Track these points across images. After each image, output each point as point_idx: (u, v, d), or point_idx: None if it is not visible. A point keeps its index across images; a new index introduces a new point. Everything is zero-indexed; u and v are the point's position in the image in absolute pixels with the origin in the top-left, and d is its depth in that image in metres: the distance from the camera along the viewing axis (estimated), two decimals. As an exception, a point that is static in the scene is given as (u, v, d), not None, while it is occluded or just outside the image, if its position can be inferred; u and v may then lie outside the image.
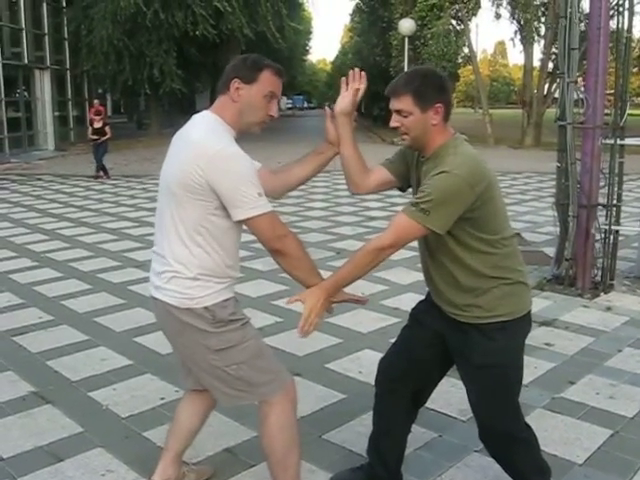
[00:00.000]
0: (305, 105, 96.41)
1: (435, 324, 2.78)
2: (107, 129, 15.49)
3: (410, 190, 2.80)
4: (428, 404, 3.88)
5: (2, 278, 6.89)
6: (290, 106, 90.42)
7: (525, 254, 7.50)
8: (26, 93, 23.01)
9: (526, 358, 4.50)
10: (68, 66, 25.49)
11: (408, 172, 2.75)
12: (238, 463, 3.31)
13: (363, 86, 2.72)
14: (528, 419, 3.69)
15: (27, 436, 3.57)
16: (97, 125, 15.31)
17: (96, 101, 18.60)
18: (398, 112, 2.51)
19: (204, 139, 2.44)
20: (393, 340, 3.04)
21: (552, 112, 24.32)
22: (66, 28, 24.99)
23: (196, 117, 2.60)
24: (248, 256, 7.67)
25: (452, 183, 2.37)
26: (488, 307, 2.59)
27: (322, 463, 3.30)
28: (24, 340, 5.01)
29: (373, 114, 42.96)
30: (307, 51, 66.72)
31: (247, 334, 2.63)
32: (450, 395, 4.07)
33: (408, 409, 2.99)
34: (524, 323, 2.71)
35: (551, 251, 7.86)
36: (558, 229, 6.56)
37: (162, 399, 3.94)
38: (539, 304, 5.90)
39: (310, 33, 64.42)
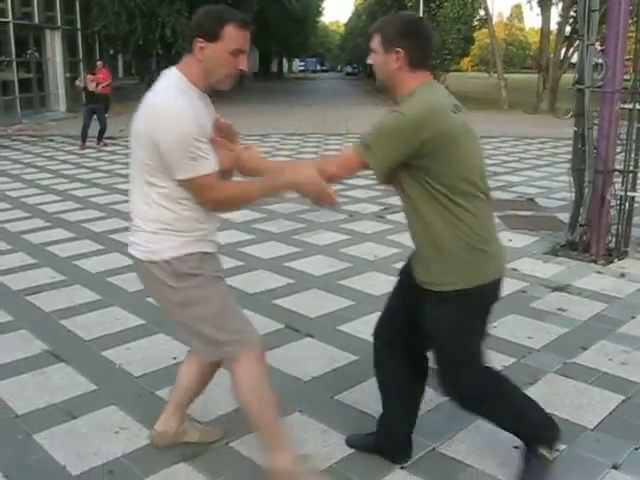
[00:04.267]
0: (318, 68, 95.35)
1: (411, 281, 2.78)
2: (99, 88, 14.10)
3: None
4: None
5: (15, 238, 6.92)
6: (303, 68, 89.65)
7: (538, 219, 7.60)
8: (37, 54, 22.82)
9: (539, 323, 4.61)
10: (79, 26, 25.25)
11: None
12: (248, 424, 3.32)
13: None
14: (540, 383, 3.75)
15: (41, 393, 3.60)
16: (90, 87, 14.05)
17: (99, 63, 18.26)
18: (371, 50, 2.57)
19: (155, 98, 2.44)
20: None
21: (568, 77, 23.98)
22: (77, -13, 24.70)
23: (163, 73, 2.56)
24: (260, 218, 7.67)
25: (396, 122, 2.41)
26: (439, 272, 2.58)
27: (334, 423, 3.31)
28: (38, 299, 5.03)
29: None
30: (320, 12, 65.73)
31: (210, 292, 2.61)
32: (461, 358, 4.08)
33: (408, 367, 2.97)
34: (480, 294, 2.61)
35: (565, 217, 7.80)
36: (573, 195, 6.48)
37: (175, 358, 3.95)
38: (552, 269, 5.88)
39: (323, -6, 63.47)
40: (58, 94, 23.43)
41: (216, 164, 2.47)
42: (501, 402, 2.84)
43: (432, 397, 3.55)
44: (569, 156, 12.83)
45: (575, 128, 6.40)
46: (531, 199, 8.99)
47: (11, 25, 20.25)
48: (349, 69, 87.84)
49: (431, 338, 2.73)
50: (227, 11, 2.47)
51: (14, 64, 20.76)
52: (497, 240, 2.70)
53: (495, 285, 2.67)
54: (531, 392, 3.62)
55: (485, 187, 2.59)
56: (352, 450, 3.11)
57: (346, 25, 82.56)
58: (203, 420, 3.33)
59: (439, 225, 2.52)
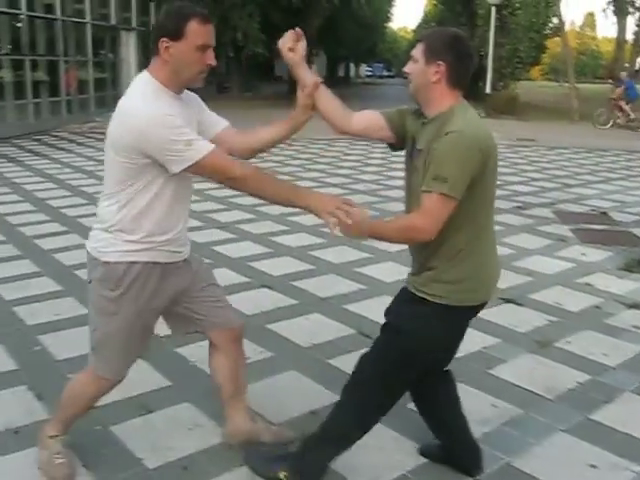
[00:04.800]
0: (385, 73, 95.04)
1: None
2: None
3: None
4: (513, 380, 3.90)
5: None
6: (370, 74, 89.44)
7: (612, 234, 7.44)
8: (110, 54, 23.38)
9: (614, 340, 4.50)
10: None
11: (404, 129, 2.66)
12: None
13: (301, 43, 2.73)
14: (617, 401, 3.67)
15: (117, 387, 3.68)
16: None
17: None
18: (411, 58, 2.52)
19: (128, 103, 2.44)
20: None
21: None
22: (152, -10, 25.24)
23: (135, 78, 2.55)
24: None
25: (459, 142, 2.32)
26: (427, 288, 2.54)
27: (408, 432, 3.30)
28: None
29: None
30: (389, 18, 65.49)
31: (122, 313, 2.61)
32: (535, 372, 4.03)
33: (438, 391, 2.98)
34: (456, 314, 2.57)
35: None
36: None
37: (248, 358, 3.99)
38: (628, 286, 5.72)
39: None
40: (131, 94, 23.93)
41: (210, 144, 2.44)
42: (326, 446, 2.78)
43: (505, 411, 3.53)
44: (646, 170, 12.69)
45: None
46: (604, 213, 8.76)
47: (89, 26, 20.83)
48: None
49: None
50: (188, 7, 2.44)
51: (90, 64, 21.35)
52: (495, 265, 2.67)
53: (473, 310, 2.64)
54: (608, 411, 3.58)
55: (492, 214, 2.61)
56: (425, 460, 3.10)
57: (415, 31, 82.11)
58: (278, 421, 3.36)
59: (458, 238, 2.48)
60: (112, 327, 2.64)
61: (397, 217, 2.62)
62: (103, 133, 10.86)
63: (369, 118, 2.78)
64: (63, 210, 8.28)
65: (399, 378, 2.68)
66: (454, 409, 3.00)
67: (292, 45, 2.73)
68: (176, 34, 2.39)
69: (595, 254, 6.68)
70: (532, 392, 3.78)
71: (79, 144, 15.37)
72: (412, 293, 2.60)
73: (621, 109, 21.39)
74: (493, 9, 23.42)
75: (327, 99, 2.78)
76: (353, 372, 2.77)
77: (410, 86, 2.54)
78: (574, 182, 11.19)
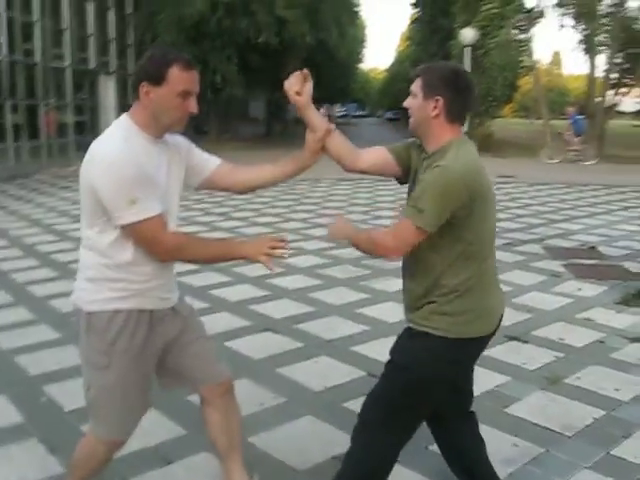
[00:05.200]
0: (358, 113, 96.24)
1: None
2: None
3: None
4: (529, 418, 3.90)
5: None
6: (343, 113, 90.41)
7: (604, 268, 7.51)
8: (84, 97, 23.38)
9: (623, 374, 4.52)
10: (132, 72, 25.99)
11: (409, 162, 2.67)
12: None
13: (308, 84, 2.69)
14: (635, 436, 3.67)
15: (133, 437, 3.59)
16: None
17: None
18: (410, 93, 2.53)
19: (96, 145, 2.39)
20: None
21: (615, 123, 23.79)
22: (131, 34, 25.48)
23: (117, 120, 2.50)
24: (325, 263, 7.70)
25: (444, 177, 2.33)
26: (431, 321, 2.52)
27: (431, 474, 3.28)
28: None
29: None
30: (361, 59, 66.58)
31: (114, 365, 2.50)
32: (550, 410, 4.03)
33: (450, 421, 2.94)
34: (460, 347, 2.53)
35: (631, 266, 7.72)
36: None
37: (262, 404, 3.95)
38: (627, 320, 5.76)
39: (364, 41, 64.32)
40: (110, 137, 23.97)
41: (159, 209, 2.37)
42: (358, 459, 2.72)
43: (526, 450, 3.51)
44: (625, 204, 12.98)
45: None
46: (593, 247, 8.86)
47: (68, 70, 20.90)
48: (390, 114, 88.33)
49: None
50: (171, 52, 2.40)
51: (70, 107, 21.37)
52: (497, 297, 2.65)
53: (477, 344, 2.60)
54: (627, 446, 3.58)
55: (492, 247, 2.59)
56: (453, 503, 3.06)
57: (388, 71, 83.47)
58: (302, 469, 3.30)
59: (442, 273, 2.48)
60: (106, 382, 2.52)
61: (372, 230, 2.58)
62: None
63: (376, 155, 2.77)
64: (53, 255, 8.20)
65: (407, 416, 2.63)
66: (480, 455, 2.96)
67: (299, 88, 2.69)
68: (157, 79, 2.34)
69: (590, 289, 6.74)
70: (550, 429, 3.77)
71: (61, 188, 15.31)
72: (413, 329, 2.58)
73: (570, 143, 22.25)
74: (467, 50, 23.92)
75: (337, 141, 2.77)
76: (359, 415, 2.73)
77: (410, 121, 2.56)
78: (559, 217, 11.33)
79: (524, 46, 25.55)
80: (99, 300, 2.48)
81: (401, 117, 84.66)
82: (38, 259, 8.00)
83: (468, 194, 2.35)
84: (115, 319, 2.48)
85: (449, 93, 2.44)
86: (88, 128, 23.10)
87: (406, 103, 2.55)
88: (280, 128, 42.51)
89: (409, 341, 2.61)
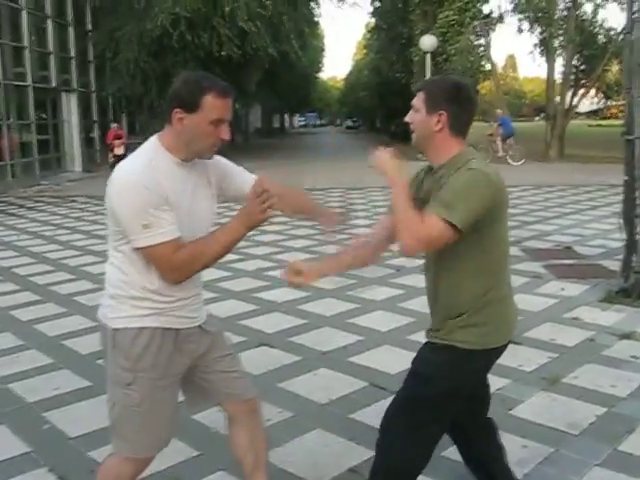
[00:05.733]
0: (318, 122, 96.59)
1: None
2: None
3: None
4: (534, 419, 3.95)
5: (67, 300, 6.95)
6: (303, 123, 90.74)
7: (584, 267, 7.66)
8: (43, 115, 23.06)
9: (617, 371, 4.62)
10: (94, 88, 25.77)
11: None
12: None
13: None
14: (638, 431, 3.73)
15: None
16: (118, 151, 13.51)
17: (114, 125, 18.31)
18: (412, 107, 2.55)
19: (120, 167, 2.40)
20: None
21: (576, 124, 24.27)
22: (91, 51, 25.25)
23: (147, 141, 2.51)
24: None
25: (476, 178, 2.36)
26: (451, 333, 2.55)
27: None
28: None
29: (391, 130, 42.99)
30: (320, 68, 66.96)
31: (139, 383, 2.49)
32: (553, 409, 4.11)
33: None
34: (482, 357, 2.57)
35: (609, 264, 7.87)
36: (625, 242, 6.54)
37: (269, 420, 3.94)
38: (613, 317, 5.89)
39: (323, 50, 64.69)
40: (74, 155, 23.75)
41: (174, 234, 2.35)
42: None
43: (537, 450, 3.57)
44: (592, 203, 13.25)
45: (626, 177, 6.46)
46: (569, 247, 9.03)
47: (30, 88, 20.63)
48: (349, 123, 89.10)
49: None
50: (206, 79, 2.37)
51: (33, 126, 21.07)
52: (513, 305, 2.69)
53: (489, 353, 2.61)
54: (633, 441, 3.66)
55: (506, 260, 2.62)
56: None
57: (346, 80, 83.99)
58: (318, 483, 3.32)
59: (461, 285, 2.52)
60: (130, 399, 2.50)
61: (420, 214, 2.39)
62: (52, 196, 10.83)
63: (387, 228, 2.74)
64: (31, 278, 8.07)
65: (433, 427, 2.64)
66: (500, 459, 3.01)
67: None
68: (191, 106, 2.32)
69: (573, 288, 6.86)
70: (556, 429, 3.83)
71: (29, 208, 15.09)
72: (436, 343, 2.60)
73: (496, 143, 23.19)
74: (428, 56, 24.21)
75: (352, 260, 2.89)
76: (382, 429, 2.73)
77: (413, 136, 2.57)
78: (531, 219, 11.51)
79: (483, 51, 25.94)
80: (123, 317, 2.48)
81: (359, 125, 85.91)
82: (17, 283, 7.85)
83: (495, 198, 2.39)
84: (140, 337, 2.47)
85: (452, 107, 2.46)
86: (52, 147, 22.82)
87: (408, 117, 2.57)
88: (242, 139, 42.48)
89: (433, 354, 2.62)
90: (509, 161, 22.25)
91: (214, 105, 2.33)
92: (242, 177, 2.74)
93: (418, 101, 2.52)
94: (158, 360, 2.50)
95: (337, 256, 3.02)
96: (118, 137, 14.06)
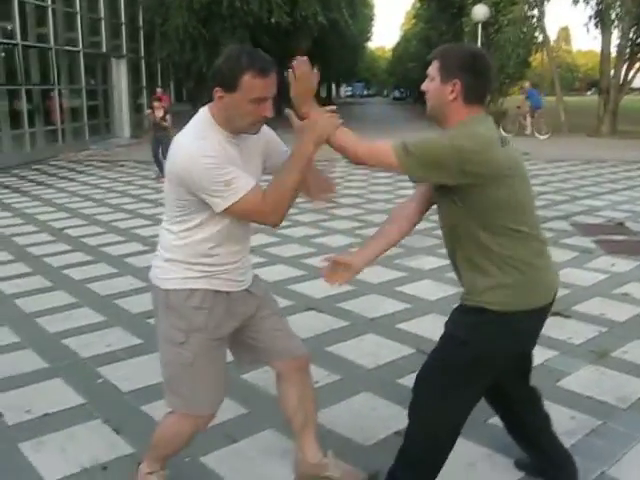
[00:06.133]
0: (365, 92, 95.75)
1: None
2: (167, 118, 13.21)
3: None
4: (583, 391, 3.94)
5: (118, 261, 7.11)
6: (350, 93, 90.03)
7: (635, 243, 7.44)
8: (92, 81, 23.31)
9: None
10: (143, 54, 25.94)
11: None
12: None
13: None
14: None
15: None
16: (158, 114, 13.04)
17: (159, 90, 18.42)
18: (427, 75, 2.51)
19: (180, 139, 2.43)
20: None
21: (630, 99, 23.59)
22: (141, 17, 25.38)
23: (197, 112, 2.53)
24: (356, 243, 7.73)
25: (449, 142, 2.33)
26: (482, 296, 2.51)
27: (497, 447, 3.32)
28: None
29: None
30: (369, 38, 66.26)
31: (191, 342, 2.55)
32: (602, 382, 4.08)
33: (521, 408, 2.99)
34: (516, 320, 2.51)
35: (661, 241, 7.72)
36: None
37: (317, 382, 3.99)
38: (663, 295, 5.79)
39: (372, 19, 63.93)
40: (122, 120, 24.02)
41: (253, 181, 2.40)
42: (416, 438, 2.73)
43: (584, 422, 3.55)
44: (646, 180, 12.87)
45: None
46: (621, 223, 8.87)
47: (81, 54, 20.87)
48: (397, 94, 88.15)
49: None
50: (247, 56, 2.33)
51: (83, 91, 21.36)
52: (548, 271, 2.62)
53: (531, 317, 2.56)
54: (685, 419, 3.62)
55: (530, 224, 2.52)
56: (522, 473, 3.11)
57: (394, 50, 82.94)
58: (368, 444, 3.36)
59: (479, 248, 2.48)
60: (183, 358, 2.57)
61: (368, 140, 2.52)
62: (101, 161, 11.03)
63: (417, 202, 2.80)
64: (83, 239, 8.26)
65: (464, 391, 2.61)
66: (546, 429, 3.00)
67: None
68: (230, 86, 2.33)
69: (624, 264, 6.75)
70: (605, 402, 3.81)
71: (79, 172, 15.36)
72: (468, 305, 2.59)
73: (525, 118, 22.86)
74: (479, 26, 23.75)
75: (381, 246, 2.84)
76: (414, 391, 2.74)
77: (427, 105, 2.54)
78: (581, 194, 11.31)
79: (537, 22, 25.32)
80: (176, 279, 2.54)
81: (407, 96, 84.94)
82: (70, 243, 8.05)
83: (464, 171, 2.33)
84: (192, 297, 2.54)
85: (467, 76, 2.42)
86: (101, 112, 23.12)
87: (423, 86, 2.53)
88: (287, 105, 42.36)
89: (466, 316, 2.61)
90: (536, 135, 22.01)
91: (253, 85, 2.32)
92: (280, 152, 2.72)
93: (433, 69, 2.48)
94: (210, 320, 2.57)
95: (382, 234, 2.86)
96: (157, 100, 13.75)
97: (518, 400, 2.95)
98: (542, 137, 21.88)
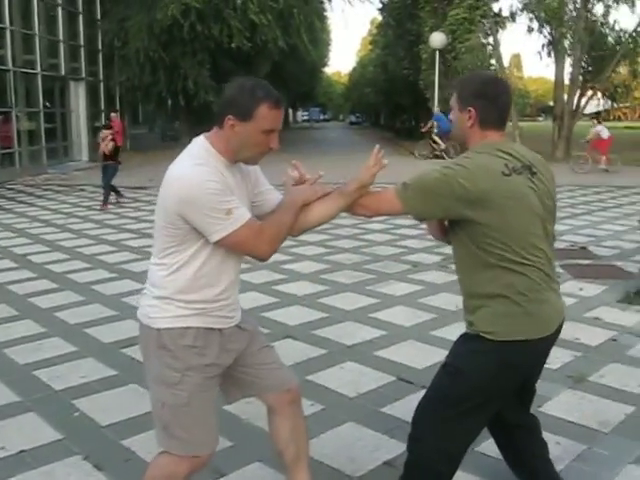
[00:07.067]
0: (321, 117, 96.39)
1: None
2: (110, 147, 12.81)
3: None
4: (565, 416, 3.98)
5: (84, 288, 6.97)
6: (307, 118, 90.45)
7: (600, 268, 7.66)
8: (47, 103, 22.95)
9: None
10: (102, 77, 25.71)
11: None
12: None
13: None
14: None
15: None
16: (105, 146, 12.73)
17: (113, 114, 18.34)
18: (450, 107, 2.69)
19: (174, 168, 2.40)
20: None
21: (580, 125, 24.09)
22: (100, 40, 25.20)
23: (192, 142, 2.52)
24: (326, 269, 7.73)
25: (441, 173, 2.48)
26: (477, 323, 2.56)
27: (486, 475, 3.32)
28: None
29: (395, 126, 42.99)
30: (326, 63, 66.90)
31: (186, 382, 2.49)
32: (582, 407, 4.14)
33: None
34: (510, 349, 2.52)
35: (624, 265, 7.90)
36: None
37: (302, 412, 3.96)
38: (634, 318, 5.91)
39: (329, 45, 64.58)
40: (81, 144, 23.73)
41: (248, 213, 2.42)
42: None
43: (570, 448, 3.59)
44: (603, 204, 13.25)
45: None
46: (584, 247, 9.05)
47: (39, 76, 20.60)
48: (353, 118, 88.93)
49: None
50: (262, 88, 2.37)
51: (41, 114, 21.05)
52: (548, 301, 2.61)
53: (523, 346, 2.55)
54: (666, 443, 3.67)
55: (531, 256, 2.51)
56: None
57: (350, 75, 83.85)
58: (357, 475, 3.33)
59: (477, 277, 2.55)
60: (179, 399, 2.49)
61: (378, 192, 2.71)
62: (60, 185, 10.83)
63: None
64: (48, 266, 8.09)
65: (463, 421, 2.62)
66: (542, 457, 3.01)
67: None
68: (244, 115, 2.35)
69: (591, 289, 6.88)
70: (587, 427, 3.86)
71: (38, 197, 15.11)
72: (468, 333, 2.64)
73: (434, 142, 23.48)
74: (437, 53, 24.19)
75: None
76: (413, 422, 2.75)
77: (453, 130, 2.73)
78: (543, 218, 11.49)
79: (492, 50, 25.89)
80: (168, 317, 2.48)
81: (363, 121, 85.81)
82: (34, 270, 7.86)
83: (466, 193, 2.41)
84: (185, 335, 2.48)
85: (480, 103, 2.56)
86: (59, 136, 22.78)
87: (450, 116, 2.71)
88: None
89: (463, 345, 2.66)
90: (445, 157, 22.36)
91: (267, 116, 2.36)
92: (268, 193, 2.71)
93: (452, 101, 2.67)
94: (204, 359, 2.51)
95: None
96: (108, 127, 13.39)
97: (517, 427, 2.96)
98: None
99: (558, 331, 2.67)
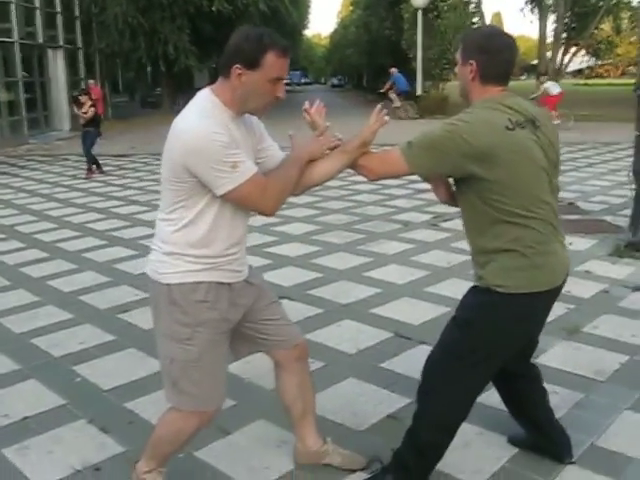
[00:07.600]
0: (302, 80, 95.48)
1: None
2: (91, 111, 12.67)
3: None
4: (561, 367, 4.03)
5: (76, 256, 6.94)
6: (288, 81, 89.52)
7: (589, 223, 7.71)
8: (25, 73, 22.60)
9: (635, 321, 4.71)
10: (80, 45, 25.28)
11: None
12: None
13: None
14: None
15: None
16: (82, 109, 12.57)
17: (90, 81, 18.11)
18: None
19: (180, 120, 2.38)
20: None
21: (562, 83, 24.08)
22: (77, 6, 24.71)
23: (197, 95, 2.48)
24: (317, 230, 7.74)
25: (444, 130, 2.46)
26: (487, 277, 2.58)
27: (488, 425, 3.37)
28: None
29: (378, 88, 42.59)
30: (306, 25, 66.00)
31: (197, 337, 2.49)
32: (578, 357, 4.20)
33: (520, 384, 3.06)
34: (519, 302, 2.55)
35: (612, 219, 7.97)
36: (634, 196, 6.61)
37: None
38: (625, 270, 5.98)
39: (309, 6, 63.64)
40: (62, 113, 23.39)
41: (254, 167, 2.40)
42: (420, 429, 2.78)
43: (568, 396, 3.65)
44: (589, 160, 13.30)
45: (637, 132, 6.49)
46: (572, 203, 9.10)
47: (16, 45, 20.22)
48: (335, 81, 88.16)
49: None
50: (268, 36, 2.34)
51: (20, 84, 20.71)
52: (555, 254, 2.62)
53: (533, 298, 2.56)
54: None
55: (536, 208, 2.51)
56: (517, 449, 3.17)
57: (331, 37, 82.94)
58: (361, 429, 3.38)
59: (485, 234, 2.56)
60: (190, 354, 2.49)
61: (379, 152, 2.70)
62: (43, 155, 10.72)
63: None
64: (36, 236, 8.03)
65: (472, 373, 2.66)
66: (543, 405, 3.08)
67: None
68: (252, 64, 2.31)
69: (581, 243, 6.93)
70: (583, 376, 3.92)
71: (21, 167, 14.95)
72: (477, 286, 2.66)
73: (391, 101, 23.24)
74: (419, 12, 23.97)
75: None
76: (423, 375, 2.78)
77: (458, 84, 2.71)
78: (530, 175, 11.52)
79: (475, 8, 25.71)
80: (179, 272, 2.46)
81: (345, 83, 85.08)
82: (23, 241, 7.81)
83: (459, 147, 2.40)
84: (197, 291, 2.47)
85: (482, 56, 2.53)
86: (39, 105, 22.46)
87: (456, 69, 2.69)
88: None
89: (473, 297, 2.68)
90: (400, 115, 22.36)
91: (275, 63, 2.33)
92: (272, 149, 2.69)
93: (457, 54, 2.64)
94: (214, 314, 2.51)
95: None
96: (86, 93, 13.13)
97: (519, 376, 3.00)
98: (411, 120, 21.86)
99: (563, 284, 2.69)
